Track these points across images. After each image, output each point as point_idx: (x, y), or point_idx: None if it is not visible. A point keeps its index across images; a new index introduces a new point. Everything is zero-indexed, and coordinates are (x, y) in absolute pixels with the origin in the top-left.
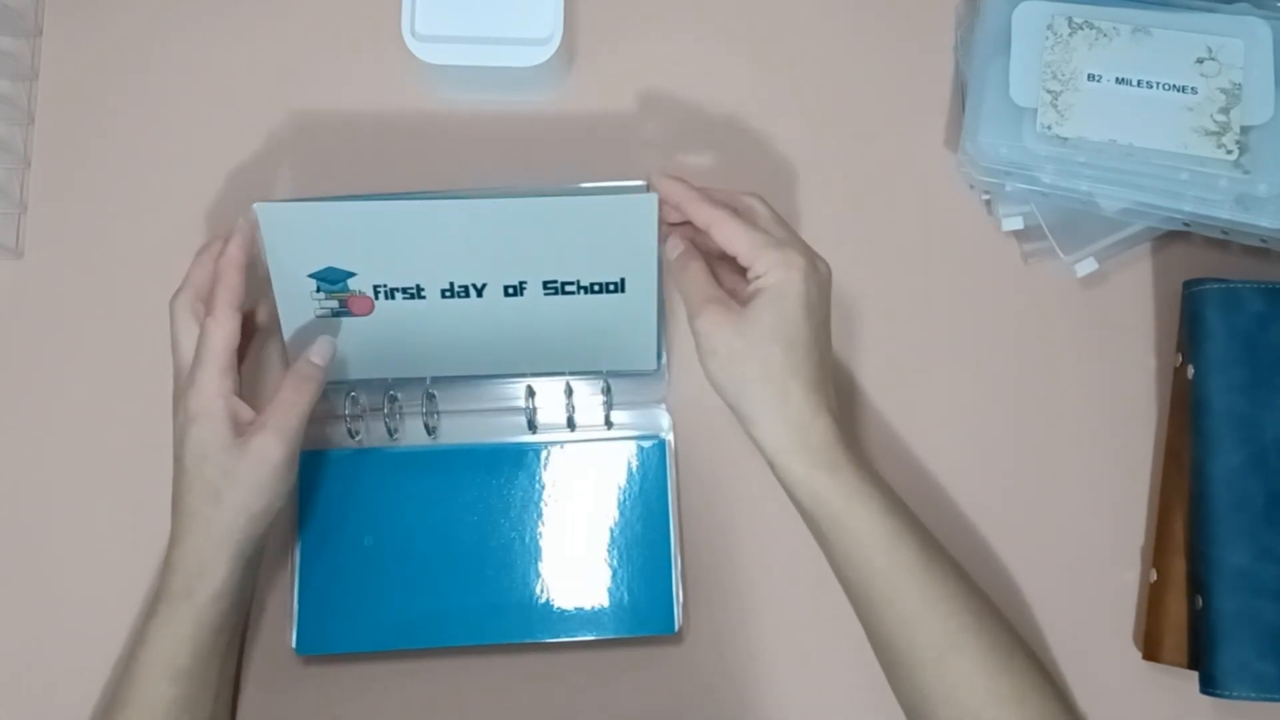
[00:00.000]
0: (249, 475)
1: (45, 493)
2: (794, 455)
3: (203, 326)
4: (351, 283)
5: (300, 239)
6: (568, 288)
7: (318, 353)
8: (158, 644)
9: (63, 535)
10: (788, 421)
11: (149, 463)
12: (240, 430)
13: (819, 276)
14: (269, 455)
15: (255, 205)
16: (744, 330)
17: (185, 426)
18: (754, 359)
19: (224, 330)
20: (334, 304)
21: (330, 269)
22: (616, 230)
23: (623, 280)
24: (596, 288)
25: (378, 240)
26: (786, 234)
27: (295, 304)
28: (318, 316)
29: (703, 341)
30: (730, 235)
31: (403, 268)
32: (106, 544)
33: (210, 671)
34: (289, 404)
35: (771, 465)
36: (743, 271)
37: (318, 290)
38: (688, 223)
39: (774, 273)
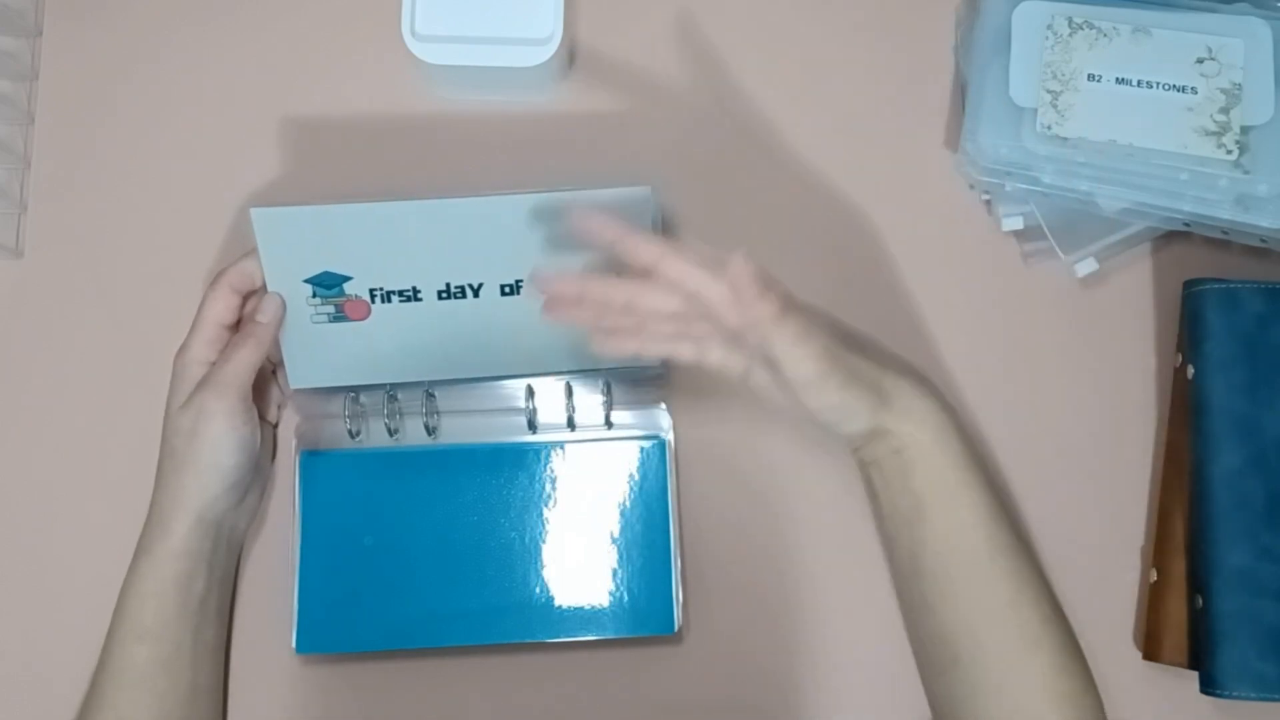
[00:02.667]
0: (194, 430)
1: (45, 492)
2: (921, 432)
3: (202, 298)
4: (347, 287)
5: (295, 243)
6: None
7: (263, 311)
8: (125, 604)
9: (63, 534)
10: (905, 404)
11: (149, 462)
12: None
13: (760, 271)
14: (205, 406)
15: (251, 210)
16: (832, 352)
17: (169, 389)
18: (854, 368)
19: (219, 305)
20: (330, 309)
21: (326, 273)
22: None
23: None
24: None
25: (372, 242)
26: (706, 251)
27: (291, 310)
28: (313, 322)
29: (817, 382)
30: (687, 269)
31: (398, 270)
32: (106, 543)
33: (182, 635)
34: (228, 360)
35: (896, 450)
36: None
37: (314, 296)
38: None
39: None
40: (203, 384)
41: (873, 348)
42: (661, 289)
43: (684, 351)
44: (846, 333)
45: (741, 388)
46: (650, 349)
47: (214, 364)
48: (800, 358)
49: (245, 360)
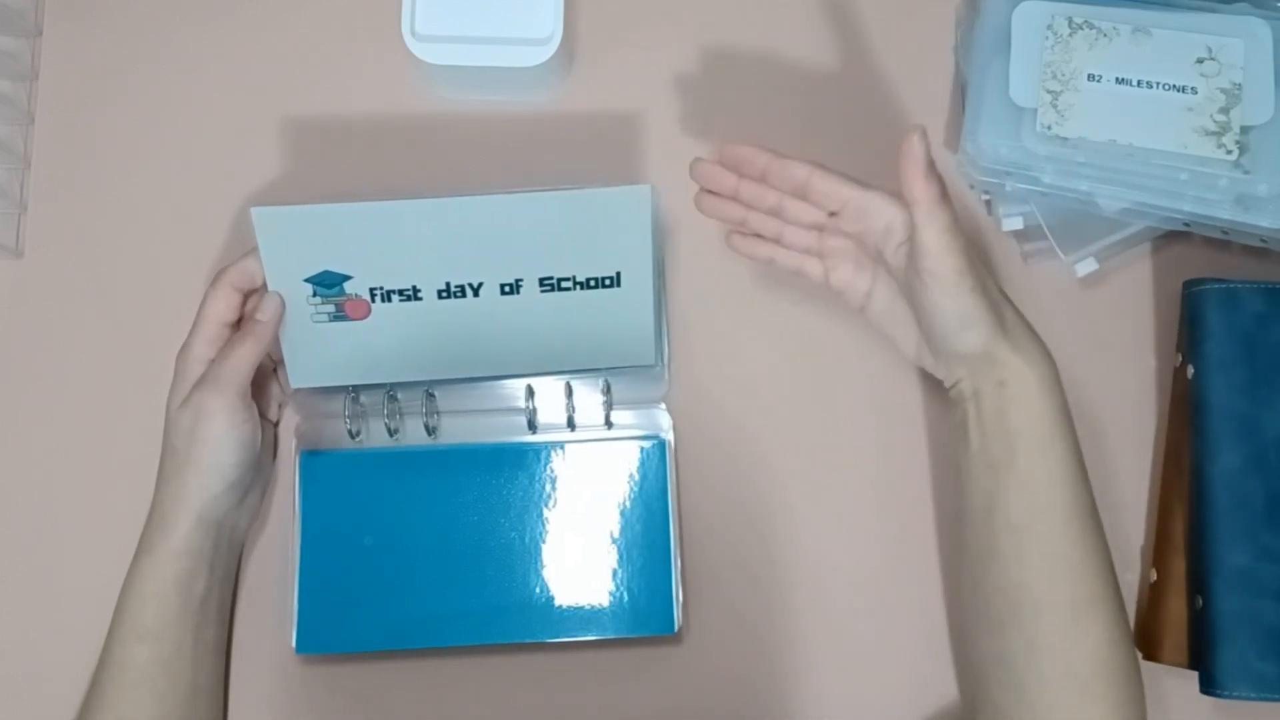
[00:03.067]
0: (193, 429)
1: (45, 491)
2: (1030, 371)
3: (204, 297)
4: (348, 286)
5: (295, 243)
6: (564, 284)
7: (262, 309)
8: (125, 604)
9: (63, 534)
10: (1018, 338)
11: (149, 462)
12: None
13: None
14: (204, 405)
15: (251, 209)
16: (974, 261)
17: (170, 388)
18: (988, 287)
19: (220, 303)
20: (330, 308)
21: (326, 273)
22: (611, 224)
23: (619, 274)
24: (593, 283)
25: (373, 241)
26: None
27: (291, 310)
28: (314, 322)
29: (958, 278)
30: (835, 185)
31: (398, 269)
32: (107, 543)
33: (183, 635)
34: (226, 358)
35: (1001, 382)
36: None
37: (314, 295)
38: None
39: (911, 208)
40: (201, 382)
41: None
42: (810, 204)
43: (812, 268)
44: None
45: (858, 315)
46: (782, 259)
47: (212, 362)
48: (947, 247)
49: (243, 358)
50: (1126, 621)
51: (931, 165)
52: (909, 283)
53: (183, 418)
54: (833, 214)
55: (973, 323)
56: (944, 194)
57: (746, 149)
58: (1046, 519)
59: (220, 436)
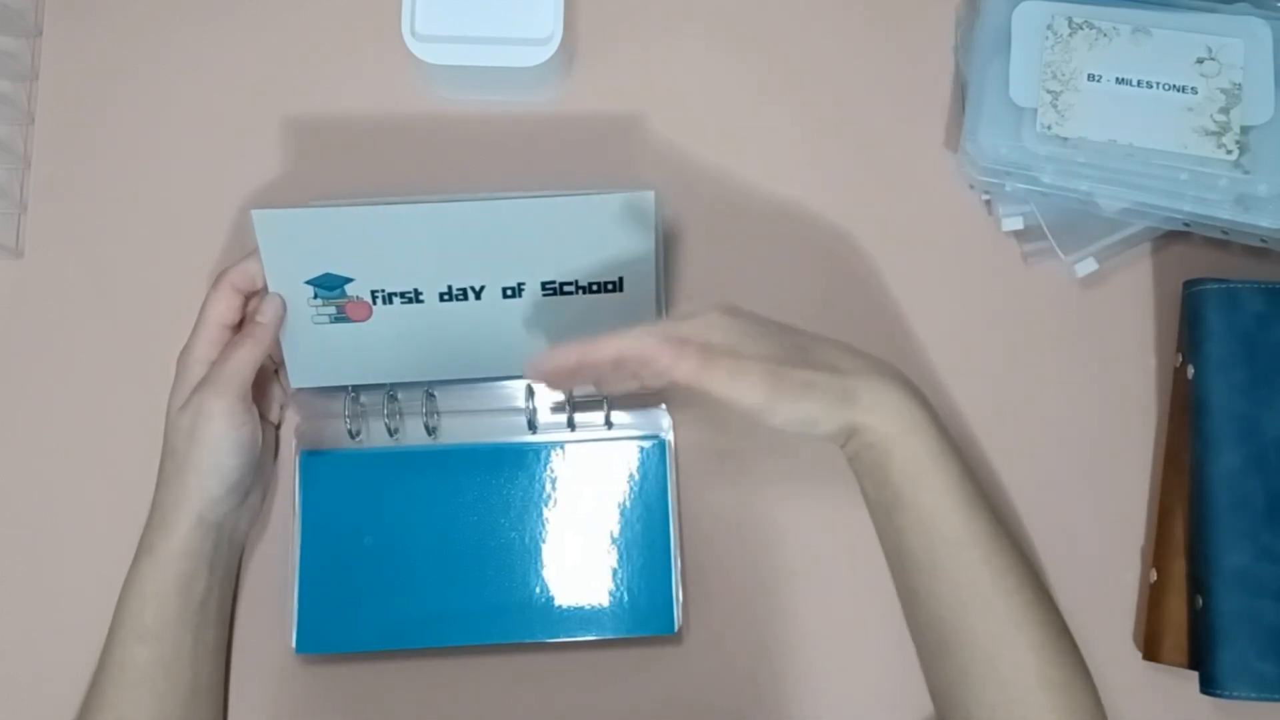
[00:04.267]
0: (194, 431)
1: (45, 491)
2: (892, 425)
3: (205, 298)
4: (349, 288)
5: (296, 245)
6: (566, 288)
7: (263, 311)
8: (125, 604)
9: (63, 534)
10: (870, 399)
11: (149, 462)
12: None
13: (733, 311)
14: (204, 407)
15: (252, 211)
16: (782, 368)
17: (171, 389)
18: (809, 376)
19: (221, 305)
20: (331, 310)
21: (327, 275)
22: (614, 229)
23: (620, 280)
24: (595, 287)
25: (374, 245)
26: (676, 319)
27: (292, 311)
28: (315, 323)
29: (777, 403)
30: (603, 349)
31: (400, 272)
32: (107, 543)
33: (182, 635)
34: (227, 360)
35: (869, 445)
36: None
37: (315, 297)
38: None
39: (692, 325)
40: (201, 384)
41: (834, 349)
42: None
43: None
44: (805, 341)
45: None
46: (632, 385)
47: (213, 364)
48: (742, 393)
49: (244, 360)
50: (1060, 632)
51: (671, 346)
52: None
53: (183, 419)
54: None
55: (813, 422)
56: (703, 359)
57: (549, 366)
58: (946, 551)
59: (220, 438)
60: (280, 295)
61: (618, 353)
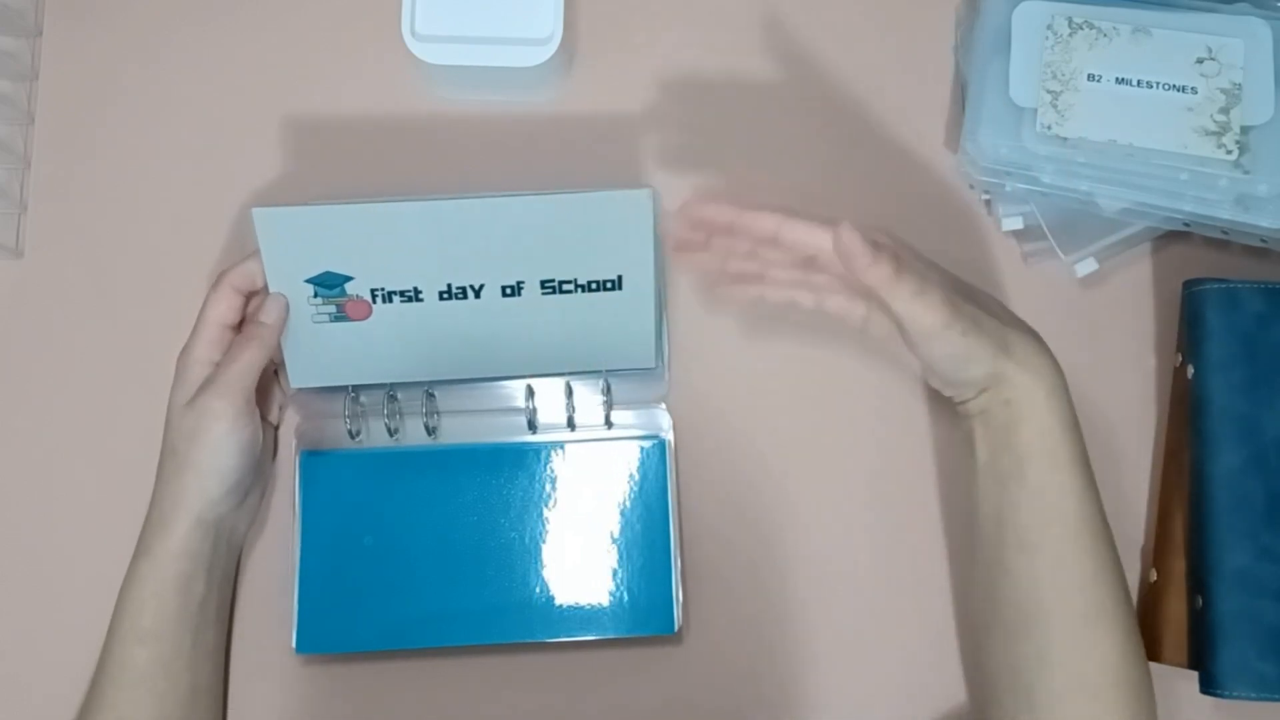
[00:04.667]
0: (195, 431)
1: (45, 491)
2: (1036, 387)
3: (205, 299)
4: (349, 287)
5: (296, 243)
6: (565, 287)
7: (267, 312)
8: (124, 605)
9: (63, 534)
10: (1022, 355)
11: (149, 462)
12: None
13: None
14: (210, 409)
15: (252, 210)
16: (955, 302)
17: (171, 389)
18: (977, 317)
19: (221, 305)
20: (331, 309)
21: (327, 273)
22: (613, 227)
23: (620, 278)
24: (594, 286)
25: (374, 243)
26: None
27: (292, 311)
28: (315, 322)
29: (946, 332)
30: (805, 233)
31: (400, 270)
32: (106, 543)
33: (181, 636)
34: (231, 360)
35: (1007, 401)
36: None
37: (314, 295)
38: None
39: (885, 247)
40: (206, 385)
41: (993, 302)
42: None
43: (804, 299)
44: (967, 287)
45: (862, 337)
46: (771, 295)
47: (218, 365)
48: (921, 311)
49: (249, 361)
50: (1138, 633)
51: (870, 248)
52: (900, 333)
53: (186, 420)
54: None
55: (971, 360)
56: (899, 265)
57: (710, 207)
58: (1056, 531)
59: (222, 439)
60: (284, 295)
61: (780, 230)
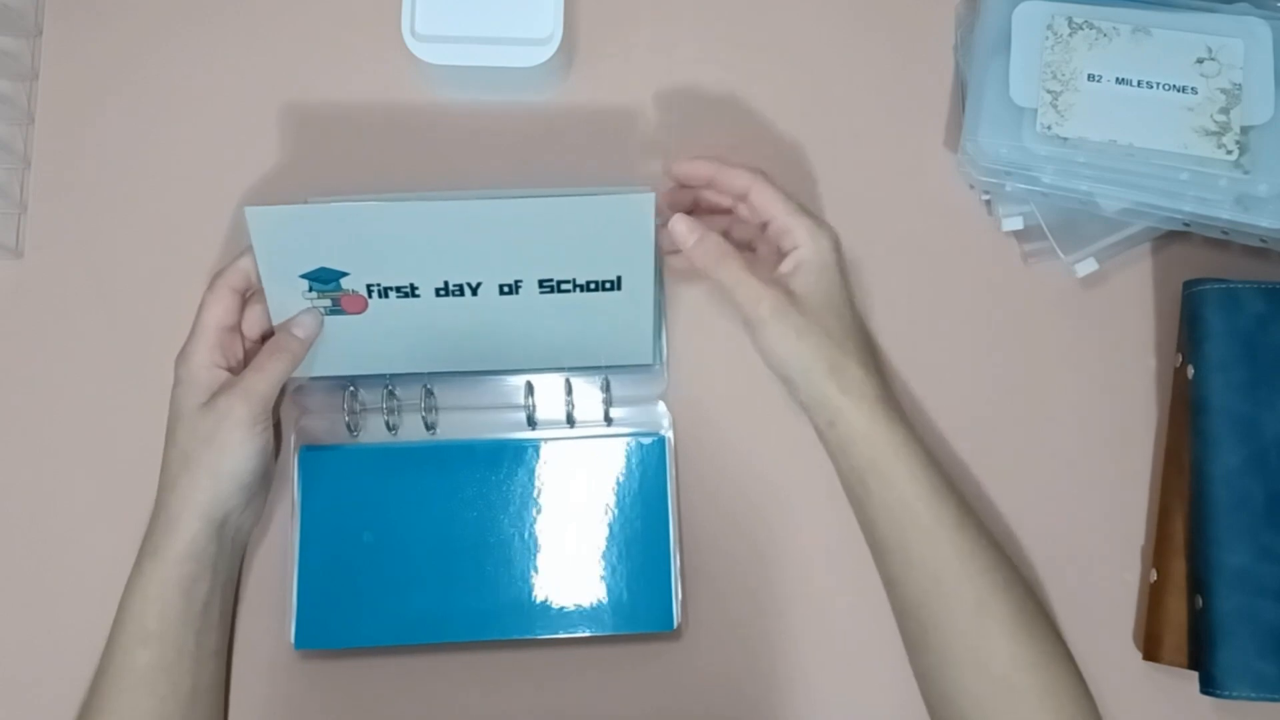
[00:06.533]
0: (213, 435)
1: (45, 492)
2: (856, 411)
3: (201, 301)
4: (344, 282)
5: (291, 242)
6: (564, 286)
7: (300, 325)
8: (128, 607)
9: (63, 534)
10: (847, 380)
11: (148, 462)
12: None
13: (838, 242)
14: (231, 412)
15: (245, 209)
16: (802, 307)
17: (172, 392)
18: (816, 331)
19: (219, 307)
20: (327, 303)
21: (322, 269)
22: (613, 229)
23: (619, 278)
24: (593, 286)
25: (369, 241)
26: (800, 203)
27: (287, 303)
28: None
29: (770, 325)
30: (769, 200)
31: (396, 268)
32: (107, 544)
33: (185, 638)
34: (259, 369)
35: (830, 423)
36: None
37: (310, 289)
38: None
39: (811, 243)
40: (228, 390)
41: (861, 335)
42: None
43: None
44: (846, 318)
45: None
46: (700, 255)
47: (245, 371)
48: (743, 299)
49: (276, 372)
50: (1034, 612)
51: (698, 229)
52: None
53: (203, 422)
54: (764, 224)
55: (796, 372)
56: (724, 252)
57: (691, 164)
58: (914, 537)
59: (241, 443)
60: (319, 311)
61: (749, 188)
